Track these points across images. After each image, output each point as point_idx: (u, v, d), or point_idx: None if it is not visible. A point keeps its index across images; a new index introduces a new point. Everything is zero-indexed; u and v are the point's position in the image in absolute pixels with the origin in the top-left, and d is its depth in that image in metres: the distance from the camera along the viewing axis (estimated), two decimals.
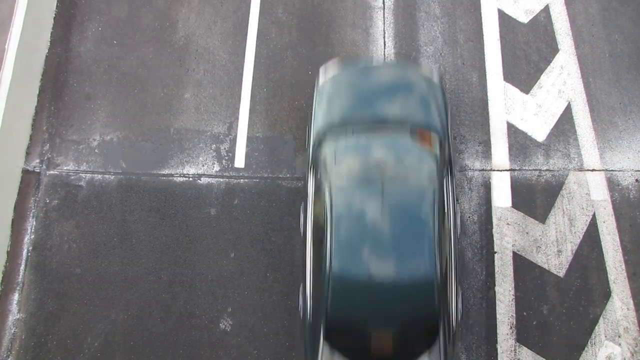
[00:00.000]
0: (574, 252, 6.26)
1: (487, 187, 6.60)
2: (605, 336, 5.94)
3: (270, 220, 6.52)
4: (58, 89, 7.26)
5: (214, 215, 6.57)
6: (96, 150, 6.94)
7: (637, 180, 6.56)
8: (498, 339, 5.98)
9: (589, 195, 6.50)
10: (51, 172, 6.87)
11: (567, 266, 6.21)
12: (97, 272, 6.38)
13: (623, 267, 6.19)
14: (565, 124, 6.84)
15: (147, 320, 6.18)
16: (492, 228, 6.41)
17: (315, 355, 4.93)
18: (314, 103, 5.84)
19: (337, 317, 4.84)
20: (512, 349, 5.93)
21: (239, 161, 6.82)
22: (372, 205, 4.91)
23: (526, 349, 5.92)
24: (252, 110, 7.04)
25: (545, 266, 6.22)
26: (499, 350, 5.93)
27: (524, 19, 7.38)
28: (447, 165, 5.34)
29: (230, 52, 7.35)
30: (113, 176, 6.80)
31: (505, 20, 7.39)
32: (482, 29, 7.36)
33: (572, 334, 5.96)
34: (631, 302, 6.05)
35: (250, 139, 6.91)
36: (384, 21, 7.44)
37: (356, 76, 5.83)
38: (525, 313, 6.06)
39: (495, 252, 6.31)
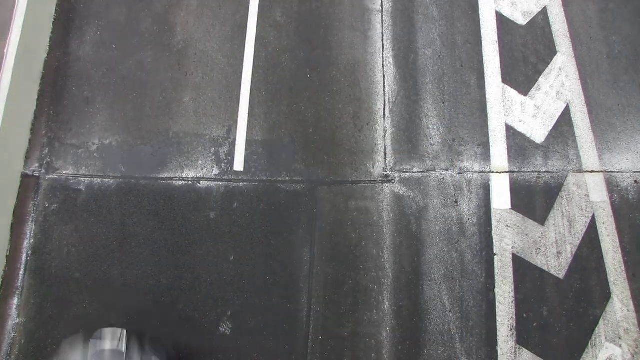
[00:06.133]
0: (573, 253, 6.26)
1: (486, 189, 6.60)
2: (606, 338, 5.93)
3: (270, 224, 6.52)
4: (57, 93, 7.27)
5: (213, 219, 6.57)
6: (95, 154, 6.94)
7: (636, 181, 6.57)
8: (498, 341, 5.97)
9: (588, 196, 6.50)
10: (50, 176, 6.87)
11: (567, 268, 6.21)
12: (97, 276, 6.38)
13: (623, 268, 6.19)
14: (563, 126, 6.85)
15: (147, 323, 6.17)
16: (491, 230, 6.41)
17: None
18: None
19: None
20: (513, 351, 5.92)
21: (238, 164, 6.83)
22: None
23: (526, 350, 5.92)
24: (250, 114, 7.05)
25: (545, 268, 6.22)
26: (499, 352, 5.92)
27: (522, 21, 7.40)
28: None
29: (228, 56, 7.36)
30: (112, 180, 6.80)
31: (503, 22, 7.41)
32: (480, 31, 7.37)
33: (572, 335, 5.96)
34: (631, 303, 6.05)
35: (249, 143, 6.92)
36: (382, 24, 7.46)
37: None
38: (525, 315, 6.06)
39: (495, 254, 6.31)
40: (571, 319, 6.01)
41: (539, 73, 7.10)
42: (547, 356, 5.88)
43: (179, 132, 7.00)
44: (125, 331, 5.58)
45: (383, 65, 7.22)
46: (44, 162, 6.95)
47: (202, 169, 6.81)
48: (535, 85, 7.05)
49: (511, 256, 6.30)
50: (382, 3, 7.59)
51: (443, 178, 6.67)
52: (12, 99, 6.72)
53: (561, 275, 6.19)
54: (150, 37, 7.50)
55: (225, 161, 6.85)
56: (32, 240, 6.58)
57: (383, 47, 7.32)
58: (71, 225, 6.61)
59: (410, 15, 7.50)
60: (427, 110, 6.98)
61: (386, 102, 7.04)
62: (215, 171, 6.81)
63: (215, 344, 6.06)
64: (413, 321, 6.08)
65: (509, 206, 6.50)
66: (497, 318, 6.06)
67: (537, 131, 6.83)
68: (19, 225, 6.65)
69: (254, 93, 7.16)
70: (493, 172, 6.68)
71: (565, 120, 6.88)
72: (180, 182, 6.75)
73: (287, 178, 6.73)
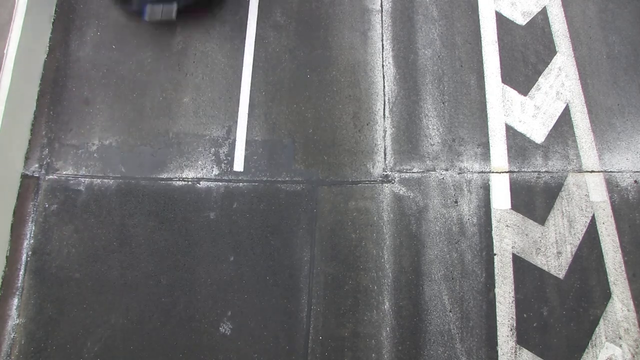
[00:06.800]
0: (573, 253, 6.26)
1: (486, 189, 6.60)
2: (606, 338, 5.94)
3: (270, 224, 6.52)
4: (57, 93, 7.27)
5: (213, 219, 6.57)
6: (95, 155, 6.94)
7: (636, 181, 6.57)
8: (498, 341, 5.97)
9: (588, 196, 6.51)
10: (50, 176, 6.87)
11: (567, 268, 6.21)
12: (97, 276, 6.38)
13: (623, 268, 6.19)
14: (563, 126, 6.85)
15: (147, 324, 6.17)
16: (491, 230, 6.41)
17: None
18: None
19: None
20: (513, 351, 5.92)
21: (238, 165, 6.83)
22: None
23: (527, 351, 5.92)
24: (250, 114, 7.05)
25: (545, 268, 6.22)
26: (500, 353, 5.92)
27: (522, 21, 7.40)
28: None
29: (228, 56, 7.36)
30: (112, 180, 6.80)
31: (502, 22, 7.41)
32: (479, 31, 7.38)
33: (572, 335, 5.96)
34: (631, 303, 6.05)
35: (249, 143, 6.92)
36: (382, 24, 7.46)
37: None
38: (525, 315, 6.06)
39: (495, 254, 6.31)
40: (571, 319, 6.02)
41: (538, 73, 7.11)
42: (547, 356, 5.88)
43: (178, 133, 7.00)
44: None
45: (383, 66, 7.23)
46: (44, 163, 6.95)
47: (202, 170, 6.81)
48: (535, 85, 7.05)
49: (511, 256, 6.30)
50: (381, 3, 7.59)
51: (443, 178, 6.67)
52: (12, 99, 6.72)
53: (561, 275, 6.19)
54: (150, 37, 7.50)
55: (225, 161, 6.85)
56: (32, 241, 6.58)
57: (383, 47, 7.33)
58: (71, 226, 6.61)
59: (410, 16, 7.51)
60: (427, 110, 6.98)
61: (386, 102, 7.04)
62: (215, 171, 6.81)
63: (215, 344, 6.06)
64: (413, 321, 6.08)
65: (509, 206, 6.51)
66: (497, 318, 6.06)
67: (537, 131, 6.84)
68: (19, 226, 6.65)
69: (253, 93, 7.16)
70: (493, 172, 6.68)
71: (565, 120, 6.88)
72: (180, 183, 6.75)
73: (287, 178, 6.73)
